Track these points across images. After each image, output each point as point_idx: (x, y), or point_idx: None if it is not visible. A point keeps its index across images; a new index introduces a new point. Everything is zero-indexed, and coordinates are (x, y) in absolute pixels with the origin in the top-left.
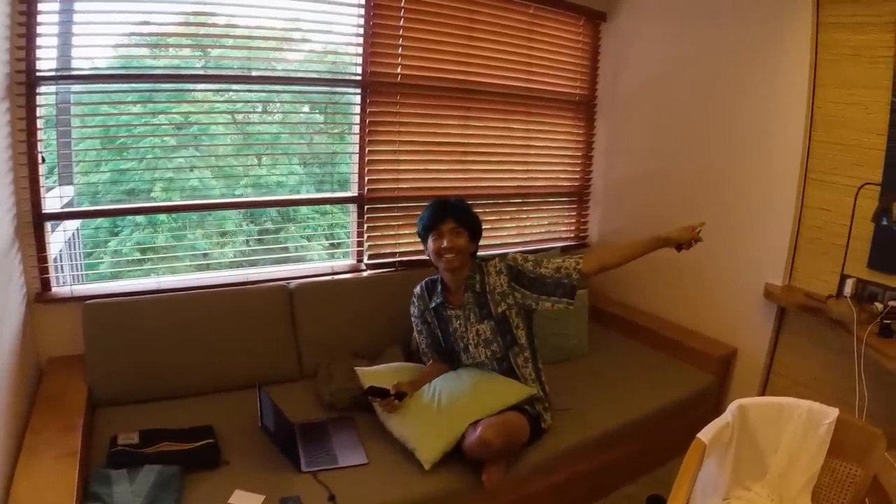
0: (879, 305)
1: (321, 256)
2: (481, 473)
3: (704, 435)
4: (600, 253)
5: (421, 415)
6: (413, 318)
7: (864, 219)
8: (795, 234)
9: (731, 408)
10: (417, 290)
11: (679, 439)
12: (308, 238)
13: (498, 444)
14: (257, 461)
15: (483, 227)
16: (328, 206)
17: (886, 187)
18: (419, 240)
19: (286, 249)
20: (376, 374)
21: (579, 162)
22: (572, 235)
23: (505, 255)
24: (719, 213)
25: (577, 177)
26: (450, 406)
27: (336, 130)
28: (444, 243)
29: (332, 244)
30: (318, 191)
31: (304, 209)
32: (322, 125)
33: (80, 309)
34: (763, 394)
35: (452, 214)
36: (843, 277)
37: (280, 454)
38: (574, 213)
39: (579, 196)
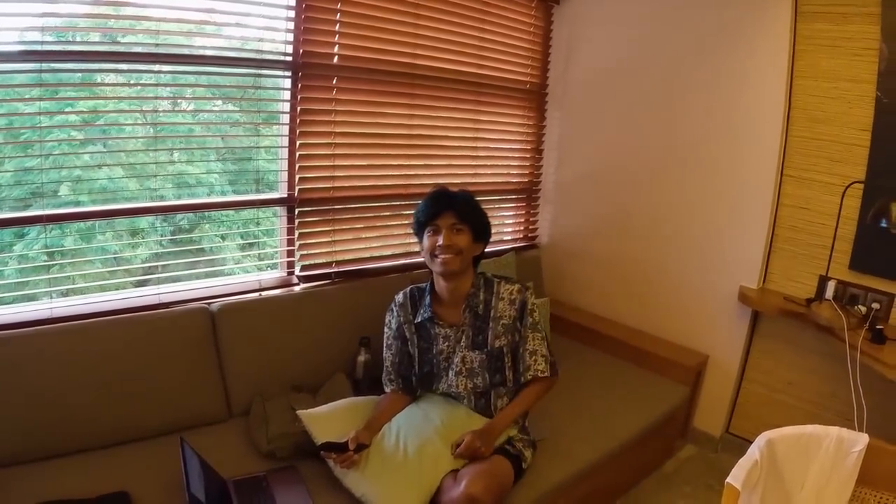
0: (862, 308)
1: (235, 259)
2: None
3: (735, 480)
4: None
5: (385, 466)
6: (386, 330)
7: (847, 218)
8: (770, 235)
9: (759, 443)
10: (399, 297)
11: (650, 457)
12: (223, 237)
13: (488, 500)
14: None
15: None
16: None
17: (871, 185)
18: (415, 238)
19: (200, 247)
20: (323, 418)
21: (529, 156)
22: (521, 237)
23: (527, 287)
24: (686, 213)
25: (527, 172)
26: (419, 454)
27: (252, 122)
28: (440, 241)
29: (247, 243)
30: (233, 190)
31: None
32: (239, 117)
33: None
34: (736, 402)
35: (453, 207)
36: (824, 279)
37: None
38: (523, 213)
39: (528, 194)
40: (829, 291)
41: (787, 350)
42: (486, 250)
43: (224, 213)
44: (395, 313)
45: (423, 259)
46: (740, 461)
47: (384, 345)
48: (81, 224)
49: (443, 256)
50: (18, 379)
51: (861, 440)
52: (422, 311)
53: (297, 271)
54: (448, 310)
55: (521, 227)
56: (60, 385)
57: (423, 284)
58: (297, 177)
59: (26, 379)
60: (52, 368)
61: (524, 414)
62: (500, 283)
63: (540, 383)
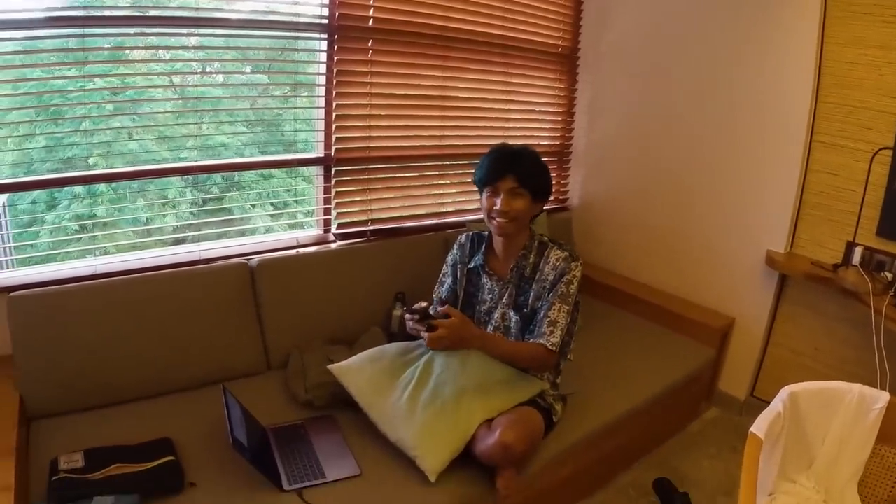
0: (889, 275)
1: (264, 219)
2: (493, 479)
3: (758, 430)
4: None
5: (421, 413)
6: (445, 262)
7: (875, 184)
8: (799, 200)
9: (782, 396)
10: (463, 238)
11: (675, 418)
12: (253, 205)
13: (520, 448)
14: (229, 480)
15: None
16: (272, 170)
17: None
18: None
19: (230, 213)
20: (355, 370)
21: (560, 119)
22: (552, 199)
23: (573, 257)
24: (716, 178)
25: (558, 135)
26: (455, 403)
27: (286, 84)
28: (498, 204)
29: (275, 205)
30: (262, 153)
31: (248, 174)
32: (269, 79)
33: (5, 302)
34: (761, 365)
35: (514, 170)
36: (851, 245)
37: (255, 470)
38: (554, 175)
39: (560, 156)
40: (856, 257)
41: (814, 315)
42: None
43: (254, 180)
44: (456, 251)
45: (481, 216)
46: (763, 412)
47: (438, 279)
48: (112, 193)
49: (499, 220)
50: (64, 333)
51: (882, 398)
52: (476, 258)
53: (333, 229)
54: (499, 262)
55: (553, 190)
56: (105, 338)
57: (485, 232)
58: (334, 136)
59: (72, 333)
60: (97, 323)
61: (509, 362)
62: (551, 249)
63: (544, 353)
